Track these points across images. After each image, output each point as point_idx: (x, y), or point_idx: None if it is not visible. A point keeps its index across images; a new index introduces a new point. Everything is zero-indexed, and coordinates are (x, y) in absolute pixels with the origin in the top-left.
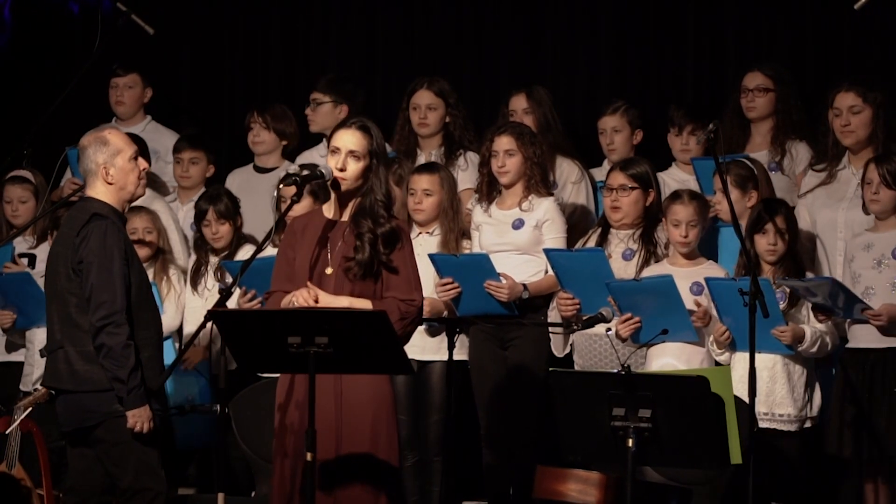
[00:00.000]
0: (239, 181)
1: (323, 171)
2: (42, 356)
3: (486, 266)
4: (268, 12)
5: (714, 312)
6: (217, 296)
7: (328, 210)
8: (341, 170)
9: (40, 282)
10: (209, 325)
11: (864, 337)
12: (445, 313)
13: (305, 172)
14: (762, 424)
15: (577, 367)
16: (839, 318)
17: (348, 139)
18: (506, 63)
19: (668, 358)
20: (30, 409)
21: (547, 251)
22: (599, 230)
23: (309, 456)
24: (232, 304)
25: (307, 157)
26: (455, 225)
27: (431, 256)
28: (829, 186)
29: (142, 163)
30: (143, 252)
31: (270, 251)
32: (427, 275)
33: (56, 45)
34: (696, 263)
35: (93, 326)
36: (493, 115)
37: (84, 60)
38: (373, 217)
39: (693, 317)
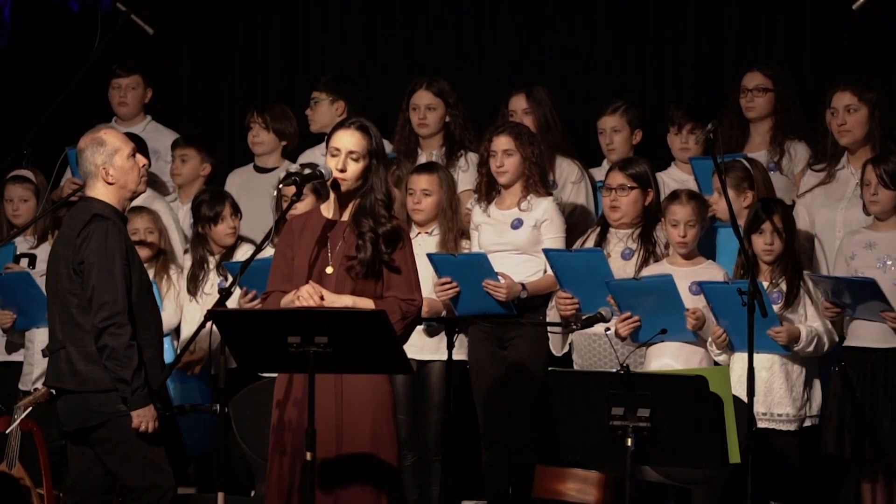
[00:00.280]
0: (239, 181)
1: (323, 170)
2: (44, 356)
3: (485, 265)
4: (267, 12)
5: (709, 313)
6: (217, 297)
7: (327, 210)
8: (342, 171)
9: (40, 282)
10: (209, 324)
11: (866, 336)
12: (444, 313)
13: (307, 171)
14: (760, 424)
15: (575, 367)
16: (850, 316)
17: (347, 140)
18: (505, 63)
19: (667, 358)
20: (30, 408)
21: (546, 251)
22: (598, 230)
23: (308, 455)
24: (232, 304)
25: (308, 156)
26: (454, 225)
27: (430, 256)
28: (828, 186)
29: (140, 159)
30: (144, 252)
31: (270, 251)
32: (426, 275)
33: (56, 45)
34: (695, 263)
35: (95, 328)
36: (493, 115)
37: (84, 60)
38: (373, 216)
39: (687, 322)
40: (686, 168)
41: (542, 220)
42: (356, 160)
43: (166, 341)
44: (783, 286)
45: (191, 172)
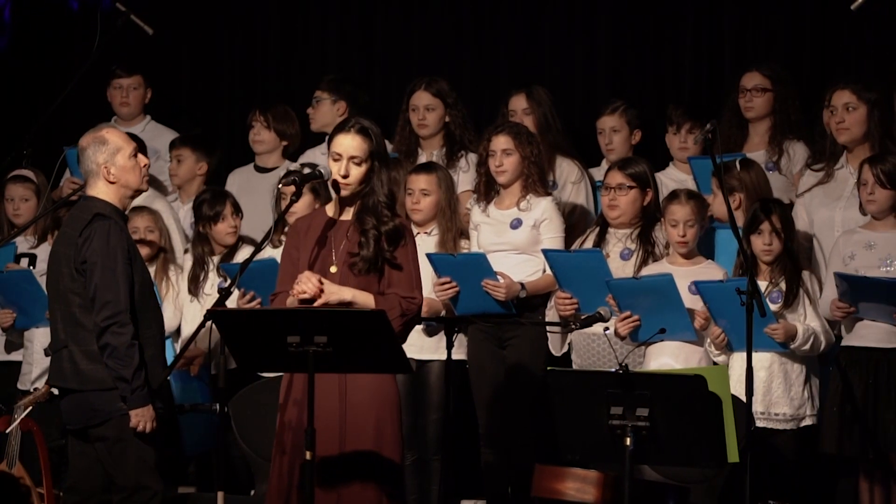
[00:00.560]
0: (239, 181)
1: (322, 170)
2: (46, 355)
3: (484, 265)
4: (267, 13)
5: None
6: (216, 297)
7: (331, 210)
8: (344, 177)
9: (40, 281)
10: (209, 324)
11: (870, 336)
12: (444, 313)
13: (307, 171)
14: (759, 424)
15: (575, 367)
16: (859, 315)
17: (348, 144)
18: (505, 63)
19: (666, 358)
20: (30, 408)
21: (545, 251)
22: (597, 230)
23: (308, 455)
24: (231, 305)
25: (310, 156)
26: (453, 225)
27: (429, 256)
28: (827, 185)
29: (142, 159)
30: (144, 251)
31: (269, 252)
32: (425, 275)
33: (56, 45)
34: (694, 263)
35: (97, 326)
36: (493, 115)
37: (84, 60)
38: (376, 215)
39: (695, 321)
40: (684, 168)
41: (541, 219)
42: (358, 164)
43: (167, 342)
44: (782, 286)
45: (187, 172)
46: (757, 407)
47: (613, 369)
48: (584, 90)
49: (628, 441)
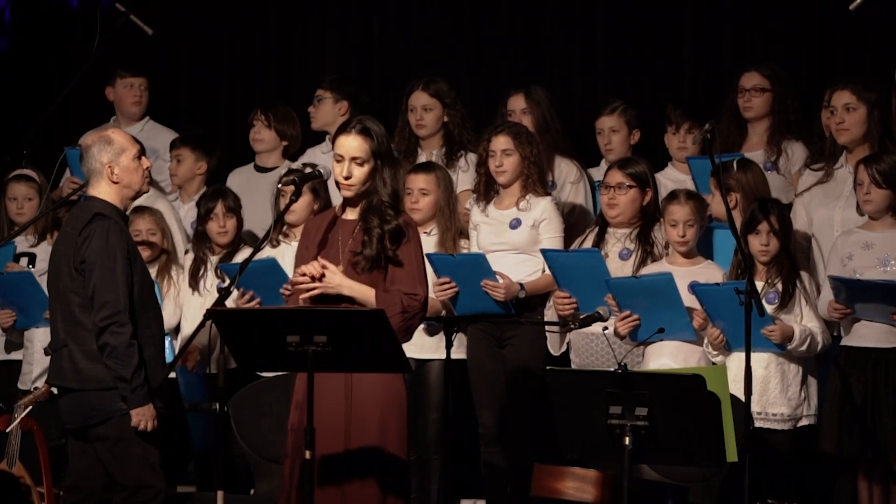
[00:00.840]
0: (239, 180)
1: (322, 170)
2: (46, 354)
3: (483, 266)
4: (266, 13)
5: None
6: (216, 296)
7: (341, 209)
8: (347, 178)
9: (40, 280)
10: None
11: (868, 336)
12: (444, 312)
13: (308, 170)
14: (756, 423)
15: (573, 366)
16: (854, 317)
17: (349, 145)
18: (504, 63)
19: (665, 358)
20: (30, 407)
21: (544, 251)
22: (596, 230)
23: (308, 454)
24: (230, 305)
25: (310, 155)
26: (452, 224)
27: (429, 256)
28: (826, 185)
29: (145, 161)
30: (146, 253)
31: (269, 252)
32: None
33: (56, 45)
34: (694, 263)
35: (96, 326)
36: (492, 115)
37: (84, 60)
38: (379, 215)
39: (694, 321)
40: (683, 168)
41: (540, 219)
42: (360, 164)
43: (166, 340)
44: (779, 286)
45: (187, 172)
46: (754, 407)
47: (612, 369)
48: (582, 90)
49: (627, 440)
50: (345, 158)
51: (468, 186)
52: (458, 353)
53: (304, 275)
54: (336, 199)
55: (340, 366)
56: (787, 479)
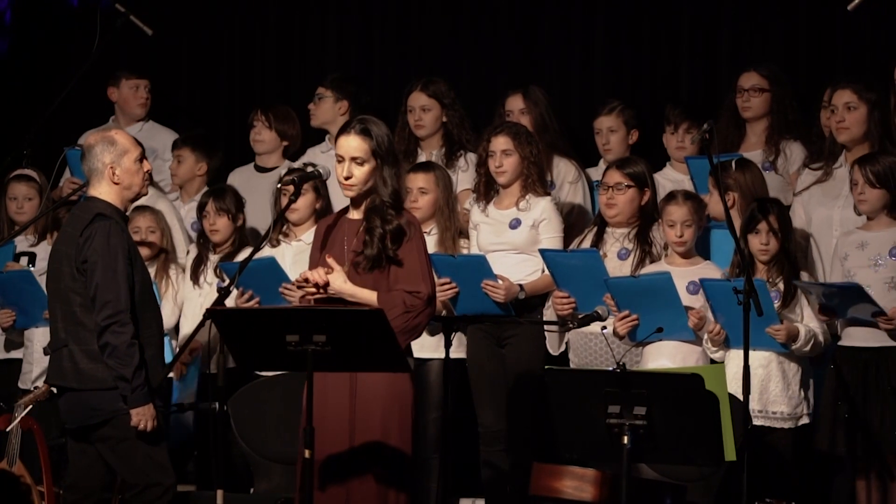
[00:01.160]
0: (240, 180)
1: (321, 170)
2: (45, 354)
3: (484, 267)
4: (265, 14)
5: (708, 311)
6: (215, 295)
7: (347, 209)
8: (347, 178)
9: (40, 280)
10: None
11: (858, 335)
12: (444, 312)
13: (309, 170)
14: (756, 422)
15: (572, 366)
16: (842, 319)
17: (349, 146)
18: (502, 63)
19: (664, 359)
20: (30, 406)
21: (542, 252)
22: (595, 230)
23: (307, 453)
24: (230, 305)
25: (310, 155)
26: (451, 224)
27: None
28: (825, 184)
29: (146, 164)
30: (144, 252)
31: (269, 251)
32: None
33: (56, 46)
34: (692, 263)
35: (98, 325)
36: (490, 115)
37: (84, 61)
38: (381, 215)
39: (689, 321)
40: (681, 168)
41: (540, 219)
42: (361, 164)
43: (165, 340)
44: (780, 286)
45: (187, 172)
46: (754, 405)
47: (611, 368)
48: (581, 90)
49: (626, 440)
50: (345, 159)
51: (468, 186)
52: (458, 352)
53: (307, 281)
54: (337, 198)
55: (340, 365)
56: (785, 478)
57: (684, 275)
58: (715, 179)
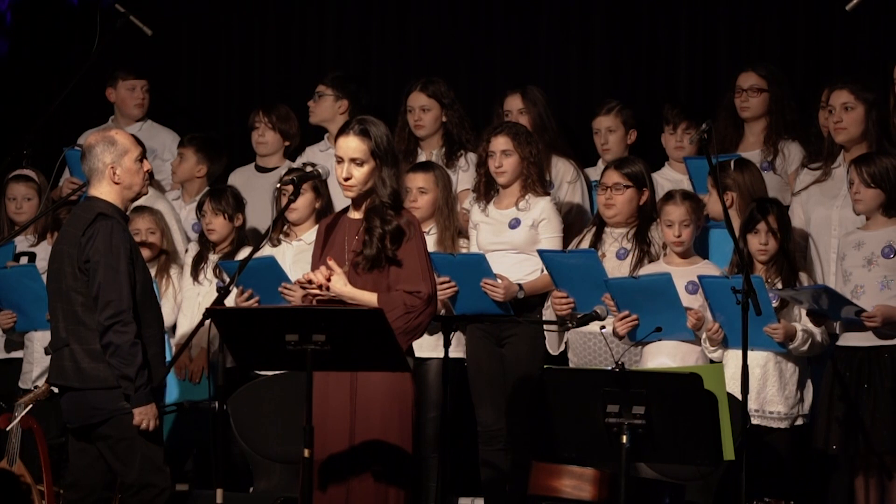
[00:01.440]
0: (240, 181)
1: (320, 169)
2: (46, 353)
3: (483, 266)
4: (264, 14)
5: (707, 311)
6: (215, 294)
7: (348, 209)
8: (346, 179)
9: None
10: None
11: (852, 335)
12: (443, 311)
13: (308, 170)
14: (753, 421)
15: (572, 365)
16: (833, 321)
17: (348, 147)
18: (500, 63)
19: (664, 358)
20: (30, 405)
21: (541, 252)
22: (594, 229)
23: (307, 452)
24: (230, 304)
25: (309, 154)
26: (450, 223)
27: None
28: (824, 184)
29: (146, 164)
30: (145, 253)
31: (268, 251)
32: None
33: (56, 46)
34: (691, 263)
35: (100, 325)
36: (488, 115)
37: (84, 61)
38: (380, 215)
39: (688, 321)
40: (679, 168)
41: (539, 219)
42: (360, 165)
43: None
44: (779, 286)
45: (186, 172)
46: (751, 405)
47: (610, 367)
48: (579, 90)
49: (624, 439)
50: (344, 160)
51: (468, 186)
52: (457, 351)
53: (309, 282)
54: (337, 197)
55: (339, 365)
56: (783, 477)
57: (683, 274)
58: (714, 179)
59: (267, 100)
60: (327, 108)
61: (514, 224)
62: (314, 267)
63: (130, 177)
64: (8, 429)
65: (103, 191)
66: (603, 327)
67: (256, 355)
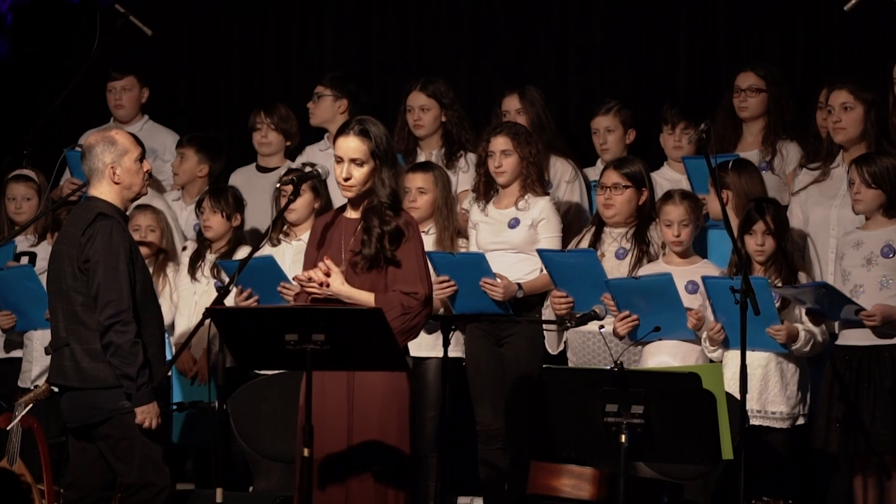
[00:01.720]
0: (241, 180)
1: (320, 169)
2: (46, 353)
3: (483, 265)
4: (264, 14)
5: (708, 311)
6: (214, 292)
7: (345, 208)
8: (346, 179)
9: (40, 279)
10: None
11: (851, 335)
12: (442, 311)
13: (307, 170)
14: (754, 422)
15: (571, 364)
16: (832, 321)
17: (348, 147)
18: (499, 64)
19: (664, 356)
20: (30, 405)
21: (540, 252)
22: (593, 229)
23: (306, 452)
24: (229, 303)
25: (309, 153)
26: (450, 223)
27: (429, 254)
28: (823, 184)
29: (146, 164)
30: (144, 251)
31: (268, 250)
32: None
33: (56, 46)
34: (690, 262)
35: (101, 325)
36: (488, 115)
37: (83, 61)
38: (379, 215)
39: (689, 321)
40: (678, 167)
41: (538, 219)
42: (360, 165)
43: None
44: (778, 286)
45: (187, 172)
46: (752, 405)
47: (609, 367)
48: (578, 90)
49: (623, 438)
50: (344, 160)
51: (468, 187)
52: (456, 351)
53: (310, 280)
54: (336, 197)
55: (338, 364)
56: (782, 476)
57: (682, 274)
58: (712, 179)
59: (267, 100)
60: (327, 108)
61: (514, 224)
62: (307, 264)
63: (130, 177)
64: (8, 428)
65: (103, 191)
66: (602, 327)
67: (256, 355)
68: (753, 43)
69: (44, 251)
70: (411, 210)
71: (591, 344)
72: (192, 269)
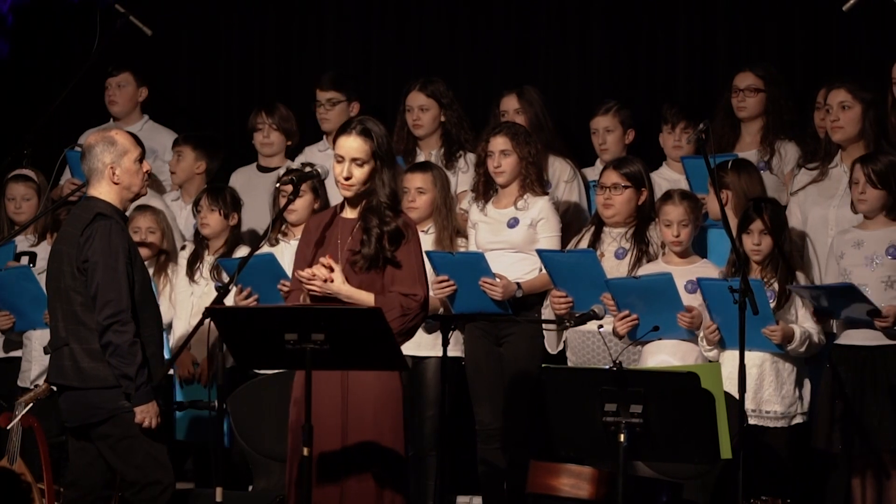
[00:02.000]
0: (242, 181)
1: (319, 169)
2: (46, 353)
3: (482, 265)
4: (264, 14)
5: (705, 311)
6: (213, 293)
7: (341, 208)
8: (347, 178)
9: (40, 279)
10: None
11: (855, 334)
12: (441, 310)
13: (307, 170)
14: (750, 421)
15: (570, 364)
16: (836, 319)
17: (349, 146)
18: (497, 64)
19: (664, 355)
20: (30, 404)
21: (539, 251)
22: (592, 229)
23: (305, 451)
24: (229, 302)
25: (308, 154)
26: (449, 223)
27: (428, 254)
28: (821, 184)
29: (145, 165)
30: (144, 253)
31: (267, 249)
32: None
33: (56, 46)
34: (690, 262)
35: (99, 325)
36: (487, 115)
37: (83, 61)
38: (379, 215)
39: (680, 321)
40: (677, 167)
41: (537, 219)
42: (360, 165)
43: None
44: (775, 286)
45: (185, 170)
46: (748, 404)
47: (608, 366)
48: (577, 90)
49: (622, 437)
50: (345, 159)
51: (467, 187)
52: (455, 350)
53: (314, 276)
54: (335, 197)
55: (338, 364)
56: (781, 476)
57: (682, 274)
58: (711, 179)
59: (267, 100)
60: (341, 113)
61: (513, 223)
62: (299, 263)
63: (130, 177)
64: (8, 427)
65: (102, 191)
66: (601, 326)
67: (256, 354)
68: (752, 43)
69: (44, 251)
70: (410, 210)
71: (590, 343)
72: (191, 271)
